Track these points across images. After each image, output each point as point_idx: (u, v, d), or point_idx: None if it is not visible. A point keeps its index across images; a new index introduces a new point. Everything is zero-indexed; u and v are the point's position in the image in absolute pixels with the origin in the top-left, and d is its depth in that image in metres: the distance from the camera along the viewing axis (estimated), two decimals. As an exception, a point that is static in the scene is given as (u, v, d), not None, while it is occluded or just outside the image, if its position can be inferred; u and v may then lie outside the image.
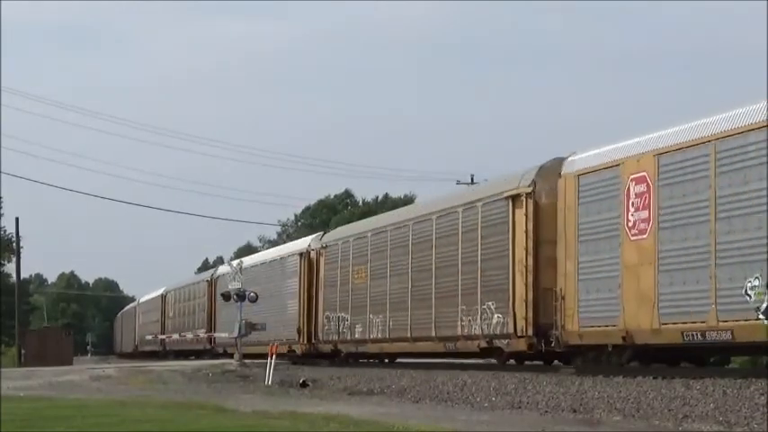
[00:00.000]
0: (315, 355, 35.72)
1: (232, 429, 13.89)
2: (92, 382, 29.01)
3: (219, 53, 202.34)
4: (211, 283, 49.82)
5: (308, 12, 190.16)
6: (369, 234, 32.20)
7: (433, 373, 24.01)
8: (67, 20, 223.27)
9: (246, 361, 33.90)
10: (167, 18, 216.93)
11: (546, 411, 15.67)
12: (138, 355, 69.89)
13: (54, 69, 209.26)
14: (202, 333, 48.93)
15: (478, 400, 18.11)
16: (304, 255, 36.65)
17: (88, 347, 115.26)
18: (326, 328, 34.43)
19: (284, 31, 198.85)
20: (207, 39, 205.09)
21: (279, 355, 36.56)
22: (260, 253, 50.66)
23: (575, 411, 15.33)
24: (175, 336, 54.10)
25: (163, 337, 58.08)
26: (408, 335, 28.90)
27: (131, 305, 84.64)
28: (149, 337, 61.61)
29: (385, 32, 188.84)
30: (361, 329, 31.86)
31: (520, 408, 16.50)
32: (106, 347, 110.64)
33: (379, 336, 30.68)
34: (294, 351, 36.78)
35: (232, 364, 33.65)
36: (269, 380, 26.47)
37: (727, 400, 14.30)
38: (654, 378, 18.05)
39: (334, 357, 34.69)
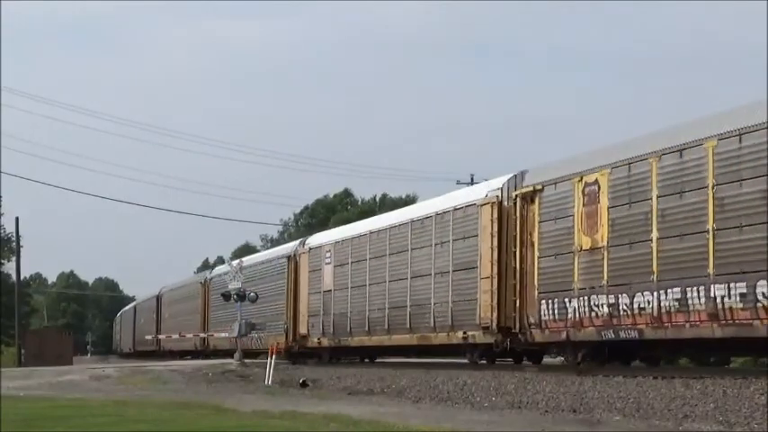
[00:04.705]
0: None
1: (232, 429, 13.89)
2: (92, 382, 29.03)
3: (220, 53, 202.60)
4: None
5: (308, 12, 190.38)
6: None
7: (433, 373, 24.03)
8: (67, 20, 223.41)
9: (246, 361, 33.91)
10: (168, 18, 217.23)
11: (546, 411, 15.68)
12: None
13: (54, 69, 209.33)
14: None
15: (478, 399, 18.13)
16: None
17: (88, 347, 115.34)
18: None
19: (284, 32, 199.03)
20: (207, 39, 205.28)
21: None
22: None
23: (575, 411, 15.35)
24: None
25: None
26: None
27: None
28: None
29: (385, 32, 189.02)
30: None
31: (520, 408, 16.52)
32: (106, 347, 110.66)
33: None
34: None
35: (232, 364, 33.64)
36: (269, 380, 26.49)
37: (727, 400, 14.31)
38: (654, 378, 18.05)
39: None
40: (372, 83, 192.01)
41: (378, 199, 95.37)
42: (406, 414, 15.50)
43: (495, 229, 24.38)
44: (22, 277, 69.26)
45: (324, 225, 74.89)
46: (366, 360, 35.21)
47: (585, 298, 20.99)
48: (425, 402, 18.76)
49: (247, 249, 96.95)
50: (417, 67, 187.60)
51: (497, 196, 24.65)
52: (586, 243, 21.16)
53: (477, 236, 25.21)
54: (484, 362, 25.82)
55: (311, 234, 41.74)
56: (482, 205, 25.09)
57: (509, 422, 14.30)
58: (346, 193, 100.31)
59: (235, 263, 37.71)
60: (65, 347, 54.91)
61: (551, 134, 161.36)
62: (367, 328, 31.21)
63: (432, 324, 27.25)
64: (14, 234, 65.55)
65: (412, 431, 12.85)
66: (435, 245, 27.28)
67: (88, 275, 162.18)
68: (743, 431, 12.43)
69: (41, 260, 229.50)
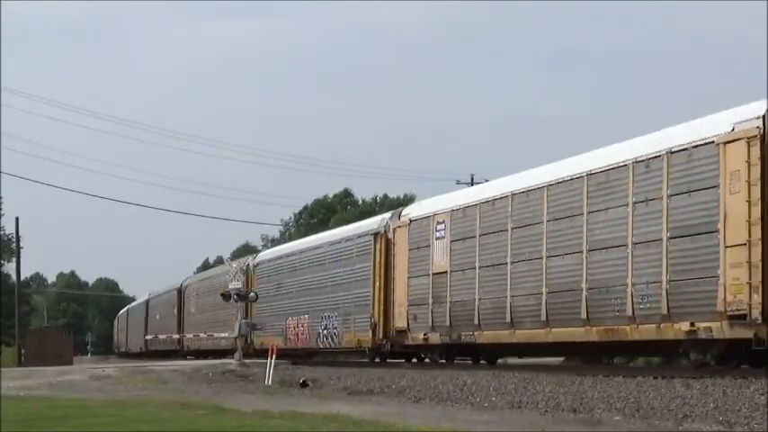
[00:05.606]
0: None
1: (232, 429, 13.88)
2: (92, 382, 29.01)
3: (220, 53, 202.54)
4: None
5: (308, 12, 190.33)
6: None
7: (433, 372, 24.06)
8: (67, 20, 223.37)
9: (246, 361, 33.91)
10: (168, 18, 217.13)
11: (546, 411, 15.67)
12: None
13: (54, 69, 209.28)
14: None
15: (478, 400, 18.11)
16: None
17: (88, 347, 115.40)
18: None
19: (284, 32, 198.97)
20: (207, 39, 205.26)
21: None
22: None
23: (575, 411, 15.34)
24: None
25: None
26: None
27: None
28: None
29: (385, 32, 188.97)
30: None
31: (520, 407, 16.51)
32: (106, 347, 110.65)
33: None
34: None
35: (232, 364, 33.65)
36: (269, 380, 26.47)
37: (727, 400, 14.31)
38: (654, 378, 18.07)
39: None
40: (372, 82, 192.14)
41: (379, 199, 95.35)
42: (406, 414, 15.49)
43: (756, 174, 17.84)
44: (22, 277, 69.22)
45: (324, 225, 74.87)
46: (482, 362, 28.49)
47: None
48: (425, 402, 18.74)
49: (247, 249, 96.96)
50: (417, 66, 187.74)
51: (758, 128, 17.87)
52: None
53: (715, 187, 18.77)
54: (718, 366, 19.12)
55: (314, 231, 39.43)
56: (726, 143, 18.53)
57: (509, 422, 14.29)
58: (346, 193, 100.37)
59: (235, 263, 37.72)
60: (65, 347, 54.79)
61: (551, 134, 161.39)
62: (509, 320, 24.67)
63: (629, 312, 20.78)
64: (14, 234, 65.57)
65: (412, 431, 12.85)
66: (635, 204, 20.86)
67: (88, 275, 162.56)
68: (743, 431, 12.42)
69: (41, 260, 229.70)
